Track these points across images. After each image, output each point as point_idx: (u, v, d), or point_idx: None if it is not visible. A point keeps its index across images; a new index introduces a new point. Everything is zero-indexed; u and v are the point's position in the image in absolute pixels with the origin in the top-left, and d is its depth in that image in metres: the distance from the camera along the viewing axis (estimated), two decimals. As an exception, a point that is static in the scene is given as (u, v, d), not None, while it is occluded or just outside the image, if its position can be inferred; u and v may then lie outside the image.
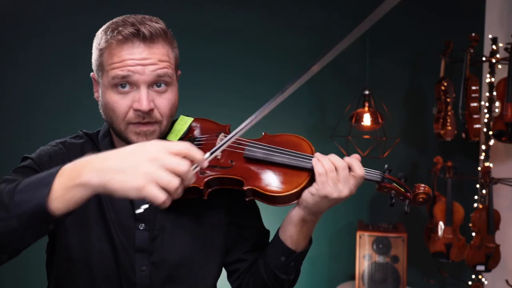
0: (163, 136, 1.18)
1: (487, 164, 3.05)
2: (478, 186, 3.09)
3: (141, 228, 1.15)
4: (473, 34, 2.99)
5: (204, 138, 1.21)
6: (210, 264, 1.23)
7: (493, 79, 3.04)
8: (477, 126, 3.03)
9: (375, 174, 1.19)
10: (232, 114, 3.25)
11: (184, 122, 1.21)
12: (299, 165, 1.14)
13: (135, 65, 1.07)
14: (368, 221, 3.32)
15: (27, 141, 3.04)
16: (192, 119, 1.23)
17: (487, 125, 3.06)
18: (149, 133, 1.12)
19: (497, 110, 3.02)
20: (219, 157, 1.15)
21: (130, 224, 1.15)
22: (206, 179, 1.10)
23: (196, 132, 1.23)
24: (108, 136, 1.22)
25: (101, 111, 1.18)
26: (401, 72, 3.39)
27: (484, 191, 3.05)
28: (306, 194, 1.12)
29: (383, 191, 1.20)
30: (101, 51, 1.12)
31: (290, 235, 1.19)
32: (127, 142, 1.12)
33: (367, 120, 2.90)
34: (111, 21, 1.15)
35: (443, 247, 3.00)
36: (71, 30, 3.05)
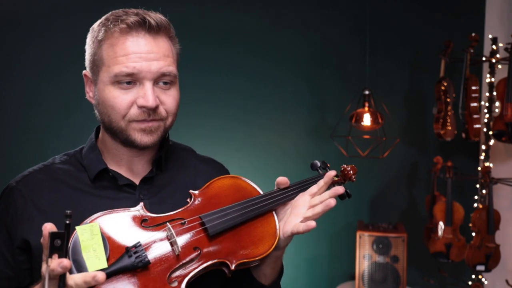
0: (165, 134, 1.12)
1: (487, 164, 3.05)
2: (478, 186, 3.09)
3: None
4: (473, 34, 2.99)
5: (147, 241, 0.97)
6: None
7: (493, 79, 3.04)
8: (477, 126, 3.03)
9: (318, 179, 1.15)
10: (232, 114, 3.27)
11: (90, 232, 0.90)
12: (262, 212, 1.08)
13: (140, 60, 1.01)
14: (368, 221, 3.32)
15: (27, 141, 3.05)
16: (97, 223, 0.93)
17: (487, 125, 3.06)
18: (154, 129, 1.06)
19: (497, 110, 3.02)
20: (178, 252, 0.95)
21: None
22: (185, 284, 0.94)
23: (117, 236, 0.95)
24: (96, 149, 1.13)
25: (97, 111, 1.10)
26: (401, 72, 3.40)
27: (484, 191, 3.05)
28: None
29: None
30: (100, 43, 1.04)
31: (265, 274, 1.14)
32: (128, 141, 1.06)
33: (367, 120, 2.90)
34: (109, 13, 1.07)
35: (443, 247, 3.00)
36: (71, 30, 3.05)
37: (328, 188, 1.13)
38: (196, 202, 1.06)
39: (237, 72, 3.26)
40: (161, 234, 0.98)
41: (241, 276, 1.15)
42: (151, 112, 1.04)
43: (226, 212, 1.04)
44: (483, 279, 3.10)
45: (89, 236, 0.89)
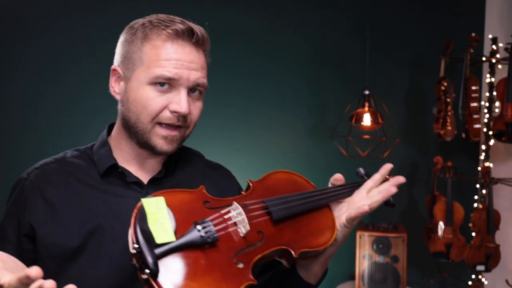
0: (183, 142, 1.14)
1: (487, 164, 3.05)
2: (478, 186, 3.09)
3: None
4: (473, 34, 2.99)
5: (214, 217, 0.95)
6: None
7: (493, 79, 3.04)
8: (477, 126, 3.03)
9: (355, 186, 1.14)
10: (232, 114, 3.27)
11: (156, 205, 0.91)
12: (320, 205, 1.08)
13: (182, 68, 1.04)
14: (368, 221, 3.32)
15: (27, 141, 3.05)
16: (162, 197, 0.93)
17: (487, 125, 3.06)
18: (176, 139, 1.09)
19: (497, 110, 3.02)
20: (243, 234, 0.94)
21: None
22: (250, 270, 0.90)
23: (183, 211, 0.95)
24: (106, 145, 1.15)
25: (123, 107, 1.10)
26: (401, 72, 3.40)
27: (484, 191, 3.05)
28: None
29: None
30: (142, 43, 1.06)
31: (315, 273, 1.13)
32: (147, 144, 1.08)
33: (367, 120, 2.90)
34: (152, 16, 1.09)
35: (443, 247, 3.00)
36: (71, 30, 3.05)
37: (388, 200, 1.13)
38: (254, 190, 1.05)
39: (237, 72, 3.25)
40: (229, 214, 0.96)
41: (285, 279, 1.15)
42: (181, 118, 1.07)
43: (288, 199, 1.04)
44: (483, 279, 3.10)
45: (155, 209, 0.88)
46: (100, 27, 3.02)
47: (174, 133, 1.08)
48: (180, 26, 1.05)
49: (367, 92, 2.94)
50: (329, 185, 1.13)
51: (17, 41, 3.08)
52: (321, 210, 1.07)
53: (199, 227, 0.89)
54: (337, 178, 1.12)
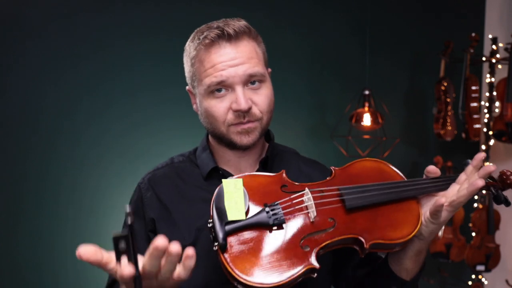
0: (264, 132, 1.16)
1: (487, 164, 3.04)
2: (478, 186, 3.09)
3: None
4: (473, 34, 2.99)
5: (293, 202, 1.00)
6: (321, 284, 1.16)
7: (493, 79, 3.04)
8: (477, 126, 3.03)
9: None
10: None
11: (234, 186, 0.99)
12: (404, 196, 1.02)
13: (227, 67, 1.08)
14: (368, 221, 3.32)
15: (27, 141, 3.05)
16: (241, 179, 1.00)
17: (487, 125, 3.06)
18: (251, 130, 1.11)
19: (497, 110, 3.02)
20: (312, 219, 0.97)
21: None
22: (315, 254, 0.93)
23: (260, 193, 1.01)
24: (207, 149, 1.22)
25: (201, 120, 1.18)
26: (401, 72, 3.40)
27: (484, 191, 3.04)
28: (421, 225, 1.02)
29: (481, 189, 1.09)
30: (192, 61, 1.13)
31: (406, 268, 1.11)
32: (231, 144, 1.13)
33: (367, 120, 2.90)
34: (194, 31, 1.16)
35: (443, 247, 3.00)
36: (71, 30, 3.05)
37: (499, 195, 1.10)
38: (337, 177, 1.06)
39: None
40: (299, 198, 1.00)
41: (379, 272, 1.15)
42: (246, 114, 1.10)
43: (366, 189, 1.02)
44: (483, 279, 3.10)
45: (232, 189, 0.97)
46: (100, 27, 3.02)
47: (246, 126, 1.11)
48: (212, 34, 1.09)
49: (367, 92, 2.95)
50: (424, 177, 1.08)
51: (17, 41, 3.08)
52: (406, 202, 1.02)
53: (267, 209, 0.96)
54: (430, 170, 1.06)
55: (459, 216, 3.02)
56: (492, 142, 3.07)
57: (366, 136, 3.02)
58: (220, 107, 1.10)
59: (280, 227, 0.95)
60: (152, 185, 1.20)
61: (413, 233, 0.99)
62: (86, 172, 3.03)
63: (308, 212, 0.98)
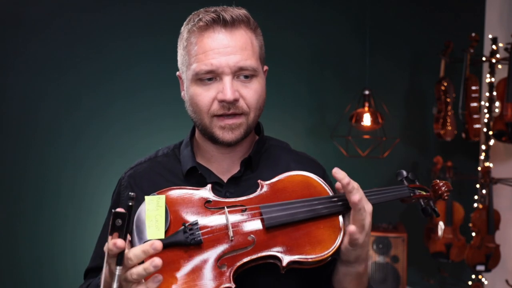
0: (250, 130, 1.11)
1: (487, 164, 3.05)
2: (478, 186, 3.09)
3: None
4: (473, 34, 2.99)
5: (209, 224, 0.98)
6: None
7: (493, 79, 3.04)
8: (477, 126, 3.03)
9: (402, 191, 1.09)
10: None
11: (156, 203, 0.96)
12: (327, 213, 1.00)
13: (218, 56, 1.02)
14: (368, 221, 3.32)
15: (27, 141, 3.05)
16: (164, 196, 0.98)
17: (487, 125, 3.06)
18: (235, 126, 1.06)
19: (497, 110, 3.02)
20: (231, 238, 0.96)
21: None
22: (231, 273, 0.93)
23: (184, 212, 1.00)
24: (189, 146, 1.16)
25: (186, 108, 1.12)
26: (401, 72, 3.40)
27: (484, 191, 3.05)
28: (343, 247, 0.98)
29: (410, 203, 1.11)
30: (185, 43, 1.08)
31: None
32: (213, 138, 1.08)
33: (367, 120, 2.90)
34: (192, 13, 1.11)
35: (443, 247, 3.00)
36: (71, 30, 3.05)
37: (426, 208, 1.10)
38: (263, 192, 1.04)
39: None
40: (220, 217, 0.99)
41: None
42: (231, 105, 1.04)
43: (287, 206, 1.00)
44: (483, 279, 3.10)
45: (154, 207, 0.94)
46: (100, 27, 3.02)
47: (231, 121, 1.05)
48: (207, 17, 1.04)
49: (367, 92, 2.94)
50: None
51: (17, 41, 3.08)
52: (329, 219, 1.00)
53: (186, 229, 0.95)
54: (338, 187, 0.99)
55: (459, 216, 3.02)
56: (492, 142, 3.07)
57: (366, 136, 3.02)
58: (205, 96, 1.05)
59: (198, 246, 0.94)
60: (131, 183, 1.16)
61: (332, 251, 0.97)
62: (86, 172, 3.04)
63: (227, 231, 0.97)
